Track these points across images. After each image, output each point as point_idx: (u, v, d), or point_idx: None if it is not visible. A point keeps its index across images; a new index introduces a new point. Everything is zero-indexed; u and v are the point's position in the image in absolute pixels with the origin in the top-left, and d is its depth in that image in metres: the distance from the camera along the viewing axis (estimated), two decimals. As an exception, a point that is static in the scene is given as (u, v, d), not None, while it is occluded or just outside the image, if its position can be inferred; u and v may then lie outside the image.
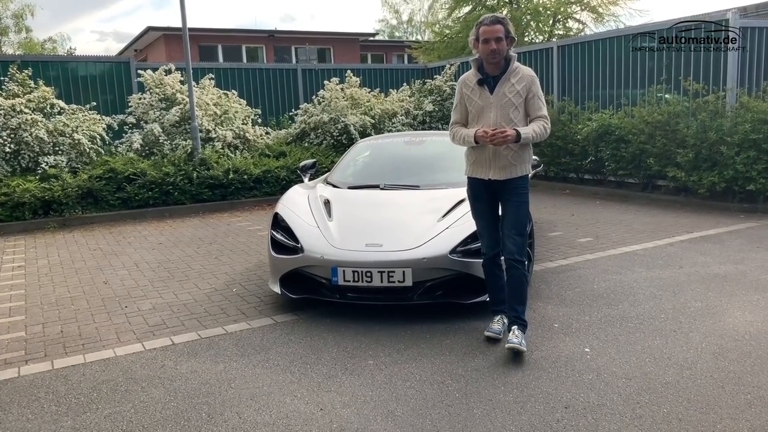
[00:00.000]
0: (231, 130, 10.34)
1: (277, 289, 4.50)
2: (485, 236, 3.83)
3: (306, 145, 11.18)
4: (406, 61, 29.04)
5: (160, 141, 9.77)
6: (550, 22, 18.96)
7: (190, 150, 9.57)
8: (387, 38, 37.92)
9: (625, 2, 18.29)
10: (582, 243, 6.37)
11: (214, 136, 10.09)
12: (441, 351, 3.70)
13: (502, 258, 3.80)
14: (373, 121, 11.38)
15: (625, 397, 3.06)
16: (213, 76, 10.95)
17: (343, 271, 4.10)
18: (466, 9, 19.51)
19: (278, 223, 4.72)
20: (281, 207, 4.92)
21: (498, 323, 3.87)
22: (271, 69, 12.93)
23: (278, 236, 4.58)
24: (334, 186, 5.42)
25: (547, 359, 3.55)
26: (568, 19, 19.52)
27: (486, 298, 4.10)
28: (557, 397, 3.09)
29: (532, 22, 18.51)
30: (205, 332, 4.15)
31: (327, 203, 4.89)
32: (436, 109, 12.21)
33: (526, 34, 18.50)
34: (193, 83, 9.77)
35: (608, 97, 10.15)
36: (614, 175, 9.48)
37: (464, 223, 4.30)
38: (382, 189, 5.18)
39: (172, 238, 7.40)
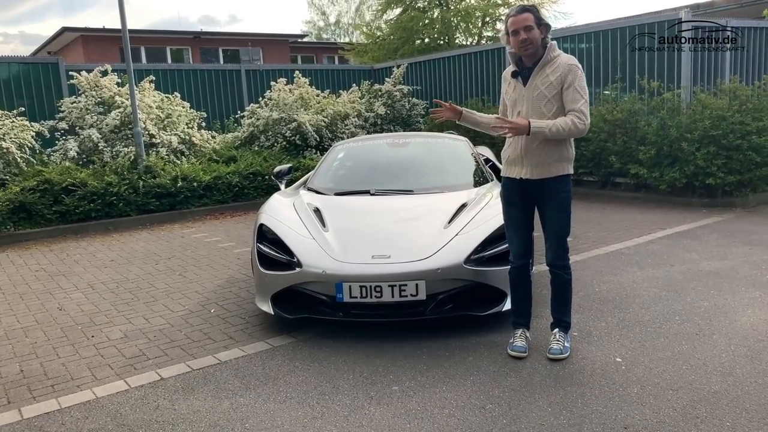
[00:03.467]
0: (176, 134, 9.64)
1: (267, 308, 4.07)
2: (514, 243, 3.57)
3: (256, 148, 10.62)
4: (336, 62, 28.64)
5: (100, 148, 8.97)
6: (479, 24, 19.05)
7: (133, 157, 8.84)
8: (315, 40, 37.34)
9: (550, 5, 18.65)
10: (563, 244, 6.24)
11: (158, 141, 9.37)
12: (468, 370, 3.40)
13: (533, 269, 3.60)
14: (326, 121, 10.95)
15: (682, 412, 2.86)
16: (153, 78, 10.21)
17: (350, 286, 3.73)
18: (397, 11, 19.33)
19: (264, 235, 4.28)
20: (266, 217, 4.47)
21: (521, 338, 3.61)
22: (213, 70, 12.29)
23: (267, 250, 4.14)
24: (319, 192, 5.02)
25: (582, 372, 3.32)
26: (497, 22, 19.70)
27: (502, 308, 3.86)
28: (611, 416, 2.86)
29: (461, 24, 18.52)
30: (195, 362, 3.68)
31: (317, 212, 4.49)
32: (388, 111, 11.93)
33: (456, 36, 18.54)
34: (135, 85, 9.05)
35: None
36: (574, 173, 9.46)
37: (473, 230, 4.03)
38: (373, 195, 4.83)
39: (123, 254, 6.74)
